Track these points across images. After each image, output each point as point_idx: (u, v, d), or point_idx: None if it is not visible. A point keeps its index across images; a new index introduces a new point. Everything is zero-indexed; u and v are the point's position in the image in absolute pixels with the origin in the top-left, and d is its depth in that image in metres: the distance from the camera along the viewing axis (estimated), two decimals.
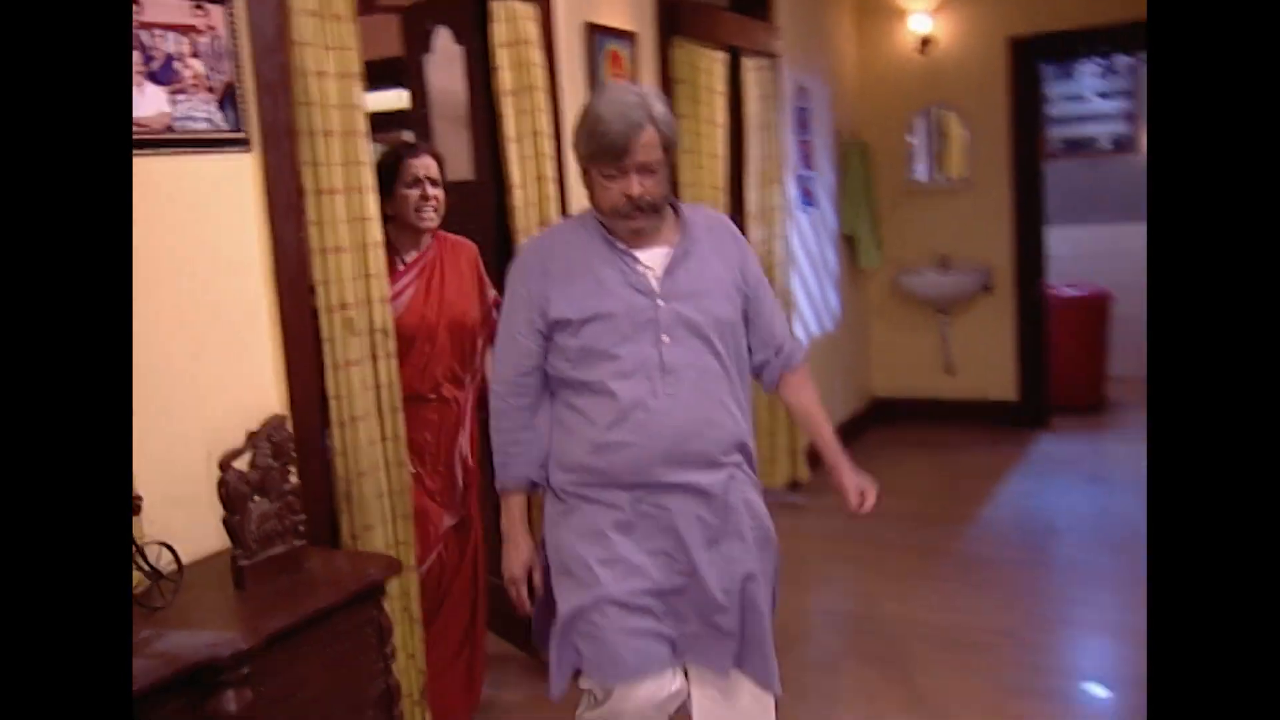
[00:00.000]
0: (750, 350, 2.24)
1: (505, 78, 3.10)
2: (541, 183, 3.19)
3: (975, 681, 3.16)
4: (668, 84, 4.04)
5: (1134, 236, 7.12)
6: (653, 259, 2.09)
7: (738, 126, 4.64)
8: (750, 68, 4.70)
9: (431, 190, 2.84)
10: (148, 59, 2.07)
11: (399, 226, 2.87)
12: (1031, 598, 3.78)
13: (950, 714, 3.00)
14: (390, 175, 2.82)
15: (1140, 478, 5.16)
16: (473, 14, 3.26)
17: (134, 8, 2.03)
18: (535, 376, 2.14)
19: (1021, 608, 3.69)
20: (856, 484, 2.28)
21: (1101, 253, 7.25)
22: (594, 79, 3.56)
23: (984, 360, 6.28)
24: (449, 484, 2.86)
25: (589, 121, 2.03)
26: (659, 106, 2.05)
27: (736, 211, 4.62)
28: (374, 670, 2.05)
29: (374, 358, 2.56)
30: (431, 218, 2.86)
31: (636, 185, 2.01)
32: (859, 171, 6.12)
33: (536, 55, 3.16)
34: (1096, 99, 7.73)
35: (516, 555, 2.20)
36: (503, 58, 3.09)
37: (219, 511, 1.99)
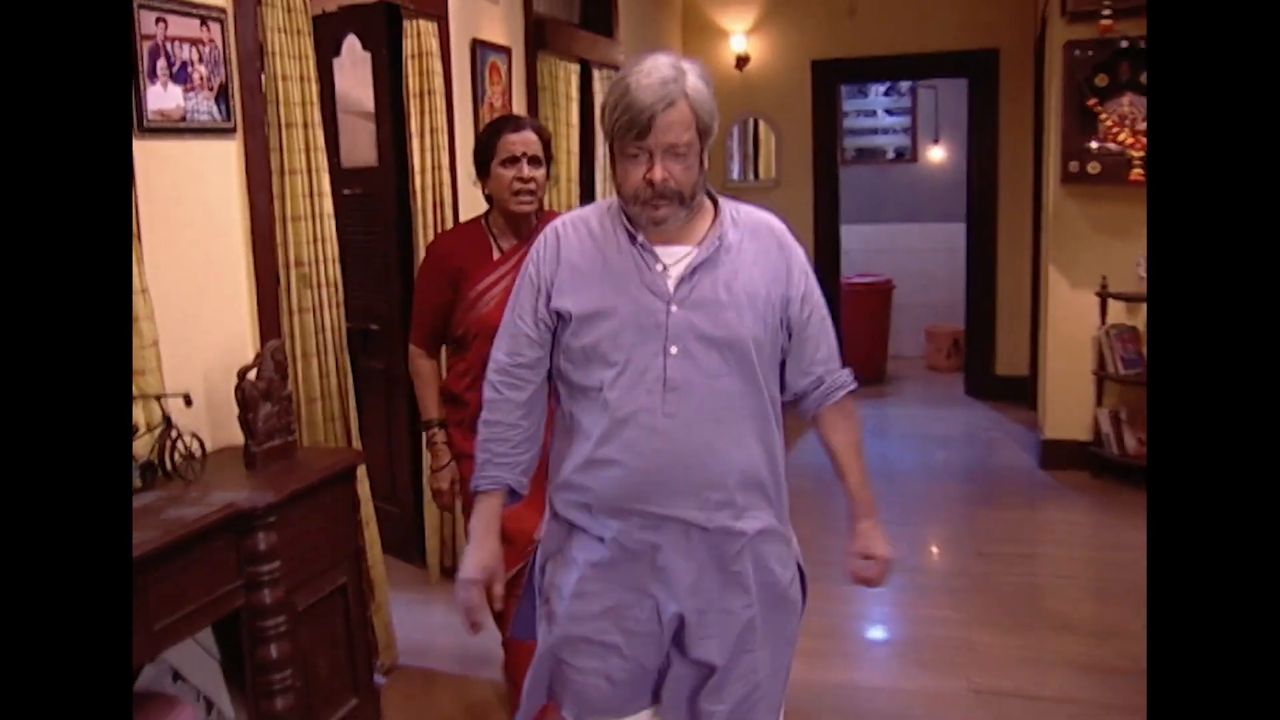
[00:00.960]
0: (785, 377, 1.95)
1: (412, 83, 3.77)
2: (438, 170, 3.88)
3: None
4: (533, 91, 4.77)
5: (913, 234, 8.39)
6: (675, 258, 1.84)
7: (589, 128, 5.41)
8: (599, 77, 5.47)
9: (530, 170, 2.59)
10: (170, 64, 2.67)
11: (497, 210, 2.68)
12: (827, 518, 4.71)
13: None
14: (486, 152, 2.64)
15: (911, 432, 6.28)
16: (381, 26, 3.92)
17: (162, 25, 2.63)
18: (535, 371, 1.92)
19: (814, 522, 4.61)
20: (864, 549, 2.00)
21: (885, 248, 8.43)
22: (477, 85, 4.26)
23: None
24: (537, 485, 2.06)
25: (616, 91, 1.77)
26: (696, 82, 1.77)
27: (588, 200, 5.39)
28: (349, 531, 2.72)
29: (324, 306, 3.20)
30: (529, 202, 2.61)
31: (660, 169, 1.76)
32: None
33: (437, 65, 3.85)
34: (884, 115, 8.92)
35: (477, 556, 1.90)
36: (410, 66, 3.76)
37: (221, 414, 2.61)
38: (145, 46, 2.58)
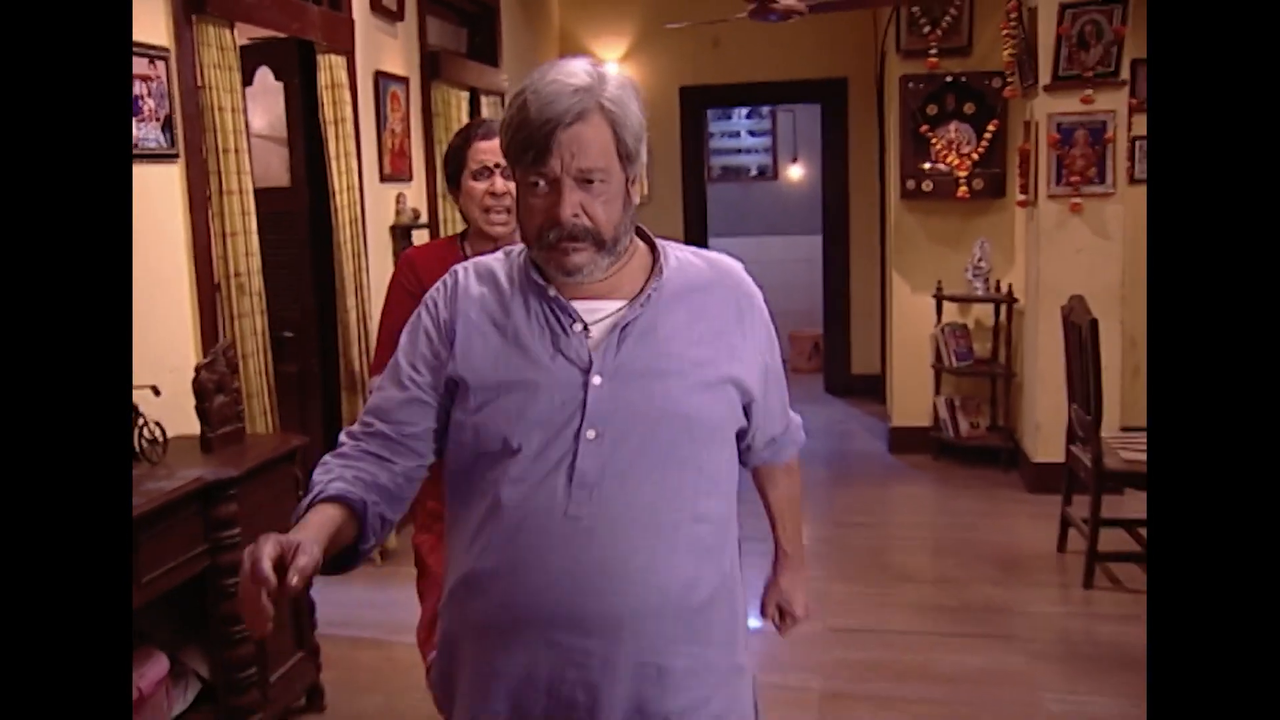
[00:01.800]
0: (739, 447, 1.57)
1: (327, 111, 4.17)
2: (352, 190, 4.28)
3: None
4: (428, 117, 5.20)
5: (775, 246, 9.06)
6: (599, 315, 1.45)
7: None
8: (485, 103, 5.93)
9: (505, 184, 2.24)
10: None
11: (474, 231, 2.38)
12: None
13: None
14: (457, 162, 2.35)
15: None
16: (294, 60, 4.31)
17: None
18: (410, 441, 1.48)
19: None
20: (783, 603, 1.81)
21: (750, 259, 8.93)
22: (380, 112, 4.67)
23: None
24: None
25: (515, 104, 1.40)
26: (617, 92, 1.40)
27: None
28: (293, 506, 3.11)
29: (254, 313, 3.58)
30: (503, 222, 2.28)
31: (569, 203, 1.38)
32: None
33: (346, 95, 4.26)
34: (747, 135, 9.60)
35: (285, 539, 1.28)
36: (325, 97, 4.16)
37: (172, 408, 2.99)
38: None
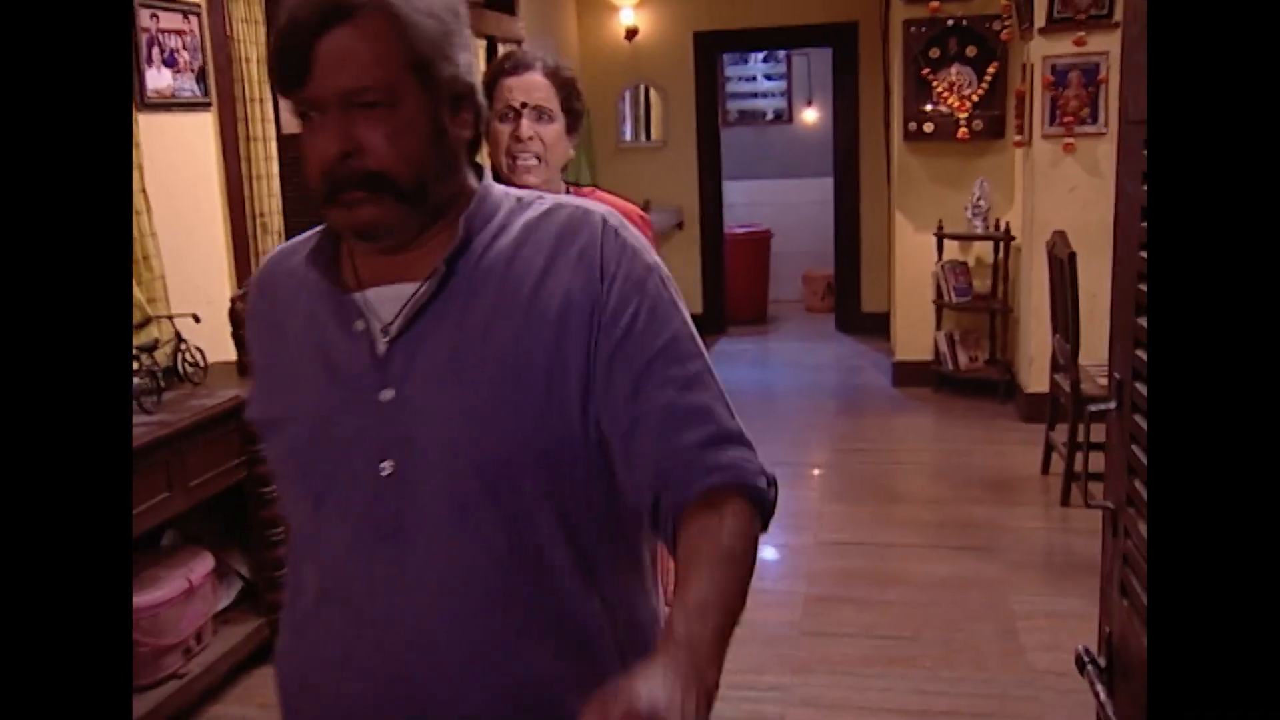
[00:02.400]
0: (620, 484, 1.08)
1: None
2: None
3: None
4: None
5: (789, 189, 9.25)
6: (391, 305, 1.07)
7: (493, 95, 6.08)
8: (501, 50, 6.15)
9: (532, 126, 1.96)
10: (162, 51, 3.30)
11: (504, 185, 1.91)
12: None
13: None
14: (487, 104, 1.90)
15: (789, 362, 7.18)
16: None
17: (155, 19, 3.26)
18: None
19: None
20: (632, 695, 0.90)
21: (764, 201, 9.28)
22: None
23: (678, 281, 8.04)
24: None
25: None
26: None
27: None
28: None
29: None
30: (532, 168, 1.96)
31: (338, 134, 1.01)
32: (581, 133, 7.74)
33: None
34: (763, 80, 9.74)
35: None
36: None
37: (210, 335, 3.28)
38: (144, 37, 3.21)
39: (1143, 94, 1.01)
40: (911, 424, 5.69)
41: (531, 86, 2.03)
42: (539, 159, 2.03)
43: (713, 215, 7.91)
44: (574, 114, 2.11)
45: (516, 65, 2.04)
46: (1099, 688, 1.11)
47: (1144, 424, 1.00)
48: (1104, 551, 1.23)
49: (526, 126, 2.01)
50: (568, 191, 1.96)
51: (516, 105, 2.02)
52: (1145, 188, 0.98)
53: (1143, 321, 0.99)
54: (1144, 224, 0.99)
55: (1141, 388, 1.00)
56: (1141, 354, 1.00)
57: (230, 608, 3.22)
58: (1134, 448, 1.05)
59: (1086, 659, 1.19)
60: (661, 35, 7.81)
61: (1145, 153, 0.97)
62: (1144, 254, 0.98)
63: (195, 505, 2.90)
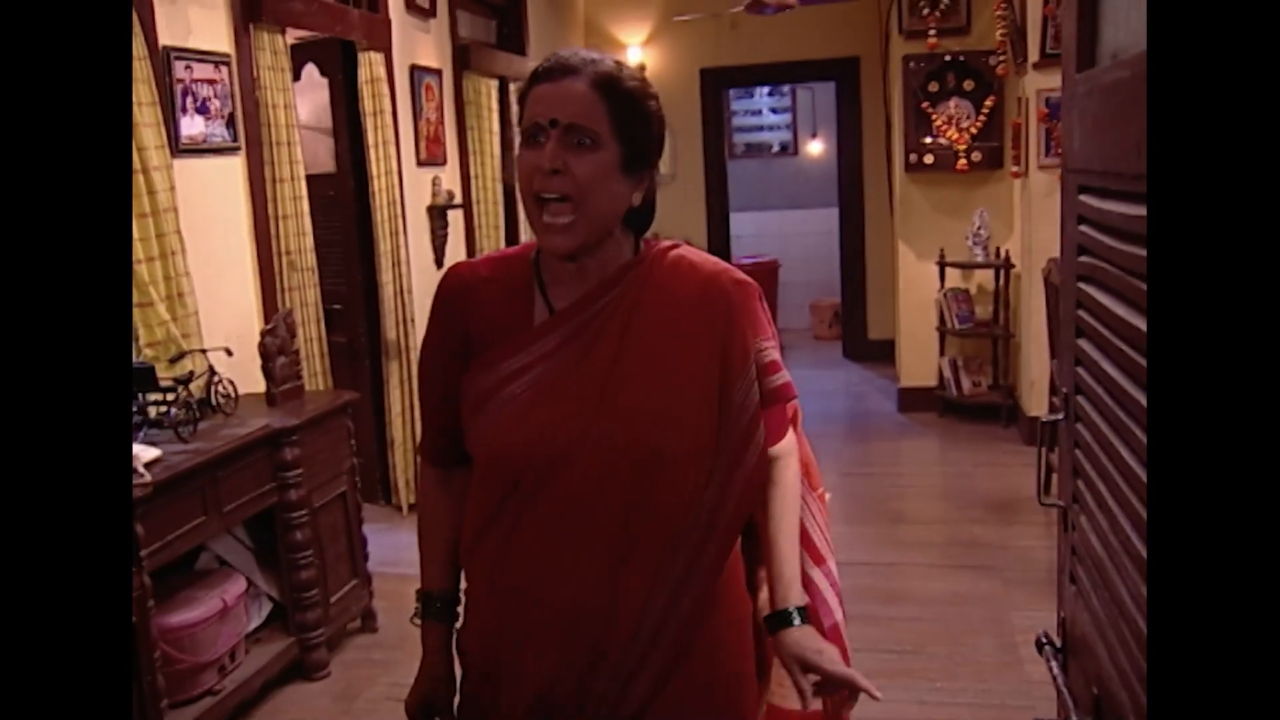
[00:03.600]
0: None
1: (367, 104, 4.61)
2: (390, 175, 4.72)
3: None
4: (460, 106, 5.63)
5: (796, 220, 9.43)
6: None
7: (506, 134, 6.28)
8: (513, 89, 6.35)
9: (560, 155, 1.33)
10: (195, 99, 3.49)
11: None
12: None
13: None
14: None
15: (796, 390, 7.30)
16: (337, 57, 4.75)
17: (189, 70, 3.45)
18: None
19: None
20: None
21: (772, 232, 9.47)
22: (416, 103, 5.10)
23: None
24: None
25: None
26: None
27: (510, 224, 6.26)
28: (346, 453, 3.58)
29: (305, 286, 4.04)
30: (558, 215, 1.35)
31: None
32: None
33: (385, 89, 4.69)
34: (769, 113, 9.95)
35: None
36: (365, 91, 4.60)
37: (239, 368, 3.45)
38: (178, 88, 3.40)
39: (1075, 146, 1.16)
40: (917, 448, 5.82)
41: (566, 97, 1.35)
42: (567, 205, 1.34)
43: (720, 247, 8.08)
44: (638, 144, 1.39)
45: (552, 70, 1.38)
46: (1054, 665, 1.26)
47: (1085, 431, 1.15)
48: (1058, 545, 1.37)
49: (550, 156, 1.33)
50: (636, 249, 1.47)
51: (542, 122, 1.35)
52: (1080, 228, 1.14)
53: (1082, 343, 1.14)
54: (1079, 258, 1.14)
55: (1083, 400, 1.15)
56: (1082, 371, 1.15)
57: (260, 628, 3.37)
58: (1078, 452, 1.20)
59: (1045, 641, 1.33)
60: (669, 72, 8.02)
61: (1079, 198, 1.13)
62: (1080, 285, 1.13)
63: (228, 529, 3.06)
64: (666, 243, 1.51)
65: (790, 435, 1.51)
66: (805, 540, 1.54)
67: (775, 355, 1.46)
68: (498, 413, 1.39)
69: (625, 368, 1.38)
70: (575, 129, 1.32)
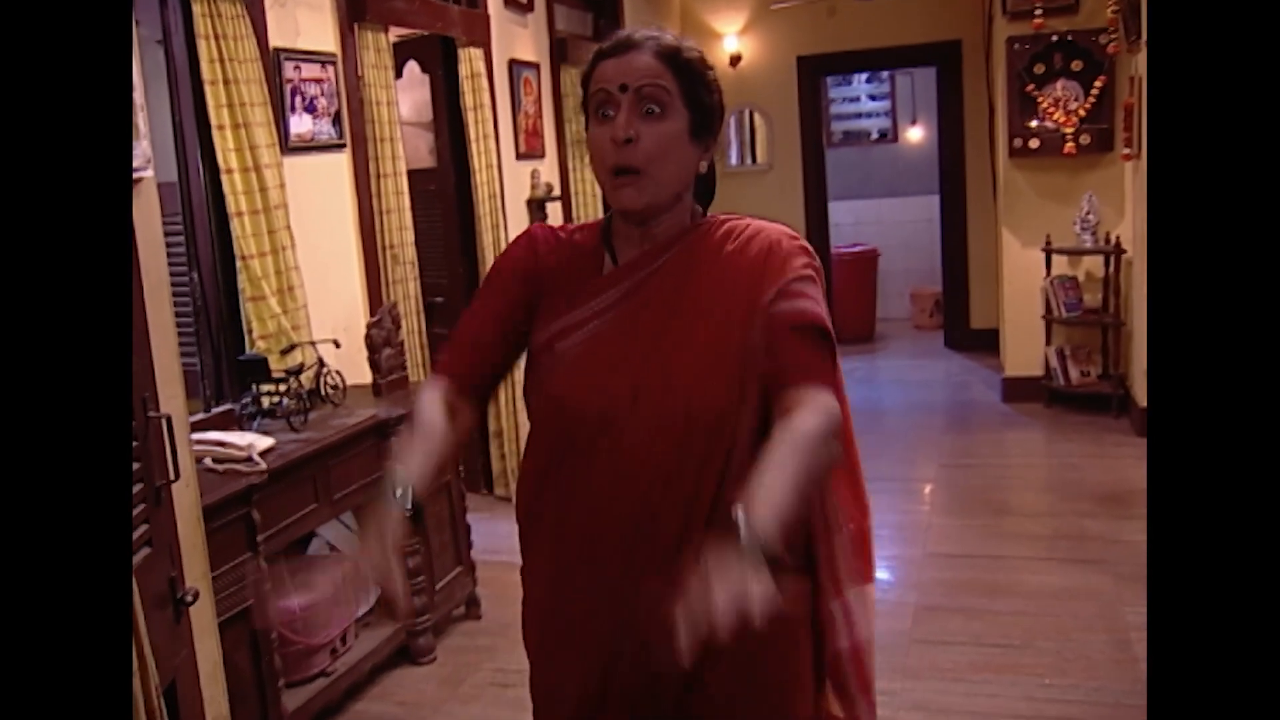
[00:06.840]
0: None
1: (467, 99, 4.68)
2: (490, 169, 4.79)
3: None
4: (558, 99, 5.67)
5: (895, 208, 9.27)
6: None
7: None
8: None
9: (631, 125, 1.37)
10: (304, 98, 3.59)
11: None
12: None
13: None
14: (585, 100, 1.47)
15: (897, 379, 7.22)
16: (437, 54, 4.83)
17: (298, 70, 3.54)
18: None
19: None
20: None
21: (870, 221, 9.33)
22: (515, 97, 5.16)
23: None
24: None
25: None
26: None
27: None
28: None
29: (407, 280, 4.12)
30: (627, 182, 1.39)
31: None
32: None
33: (484, 84, 4.75)
34: (867, 100, 9.80)
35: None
36: (466, 86, 4.67)
37: (347, 360, 3.53)
38: (288, 88, 3.49)
39: None
40: (1021, 439, 5.68)
41: (630, 71, 1.39)
42: (635, 173, 1.38)
43: (819, 236, 8.00)
44: (704, 111, 1.44)
45: (618, 46, 1.42)
46: None
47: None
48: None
49: (624, 125, 1.37)
50: (693, 218, 1.50)
51: (613, 90, 1.39)
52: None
53: None
54: None
55: None
56: None
57: (369, 613, 3.46)
58: None
59: None
60: (765, 60, 7.96)
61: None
62: None
63: (337, 516, 3.14)
64: (731, 215, 1.54)
65: (829, 398, 1.38)
66: (828, 566, 1.50)
67: (807, 288, 1.43)
68: (554, 363, 1.46)
69: (677, 328, 1.42)
70: (646, 93, 1.39)
